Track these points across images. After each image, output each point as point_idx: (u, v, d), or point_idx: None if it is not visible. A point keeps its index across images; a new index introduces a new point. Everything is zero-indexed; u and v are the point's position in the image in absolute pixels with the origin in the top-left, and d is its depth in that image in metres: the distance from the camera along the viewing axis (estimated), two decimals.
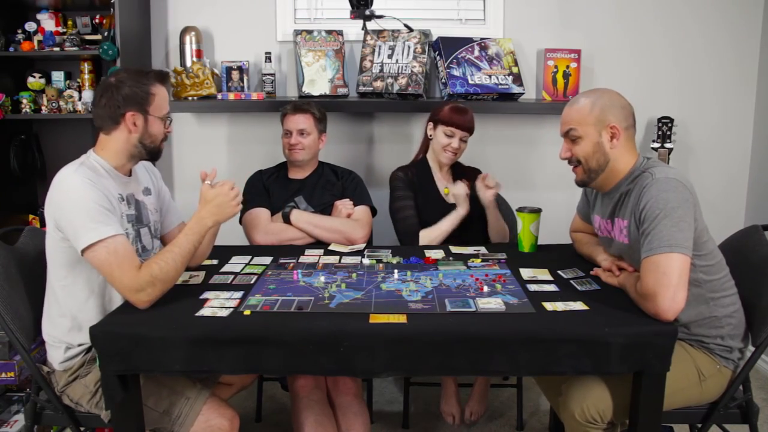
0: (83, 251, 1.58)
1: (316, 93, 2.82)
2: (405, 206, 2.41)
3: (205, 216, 1.72)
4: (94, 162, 1.74)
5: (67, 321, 1.70)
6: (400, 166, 2.52)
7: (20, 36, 2.71)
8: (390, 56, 2.83)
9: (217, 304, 1.63)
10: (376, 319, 1.54)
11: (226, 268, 1.95)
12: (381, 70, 2.82)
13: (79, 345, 1.72)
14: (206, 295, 1.70)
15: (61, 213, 1.62)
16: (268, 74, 2.85)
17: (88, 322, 1.62)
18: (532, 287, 1.76)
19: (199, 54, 2.85)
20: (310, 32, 2.87)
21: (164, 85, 1.77)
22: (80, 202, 1.60)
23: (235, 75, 2.86)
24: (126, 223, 1.74)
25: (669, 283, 1.50)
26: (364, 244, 2.24)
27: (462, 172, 2.51)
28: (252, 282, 1.81)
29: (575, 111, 1.76)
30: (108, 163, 1.75)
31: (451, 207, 2.40)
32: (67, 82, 2.82)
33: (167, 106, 1.78)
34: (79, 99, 2.76)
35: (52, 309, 1.74)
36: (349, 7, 2.58)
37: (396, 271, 1.90)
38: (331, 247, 2.20)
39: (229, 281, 1.83)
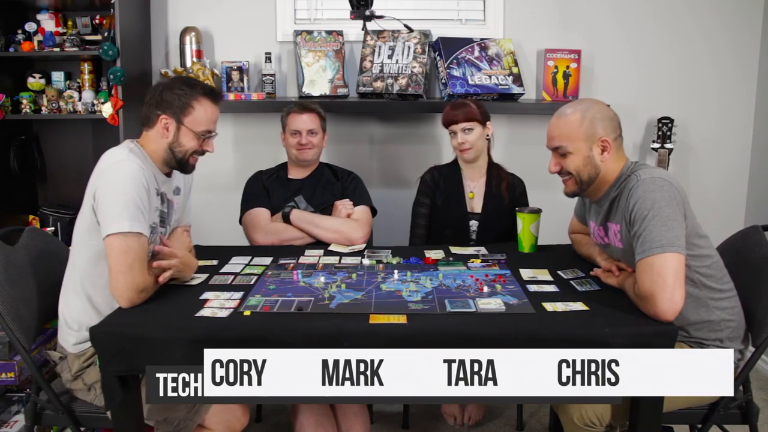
0: (106, 236, 1.60)
1: (316, 93, 2.82)
2: (417, 214, 2.46)
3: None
4: (141, 153, 1.77)
5: (84, 302, 1.72)
6: (432, 166, 2.51)
7: (20, 36, 2.71)
8: (390, 57, 2.83)
9: (217, 305, 1.63)
10: (376, 319, 1.54)
11: (226, 268, 1.95)
12: (381, 71, 2.82)
13: None
14: (206, 295, 1.70)
15: (104, 193, 1.63)
16: (268, 75, 2.85)
17: (104, 308, 1.67)
18: (532, 288, 1.75)
19: (199, 54, 2.85)
20: (310, 32, 2.88)
21: (213, 101, 1.78)
22: (125, 190, 1.62)
23: (235, 75, 2.86)
24: (156, 218, 1.76)
25: (665, 284, 1.50)
26: (364, 245, 2.23)
27: (499, 177, 2.42)
28: (252, 282, 1.81)
29: (564, 125, 1.73)
30: (149, 158, 1.78)
31: (470, 212, 2.40)
32: (67, 82, 2.82)
33: (208, 124, 1.79)
34: (79, 99, 2.77)
35: (69, 289, 1.75)
36: (349, 7, 2.58)
37: (396, 271, 1.90)
38: (331, 248, 2.20)
39: (229, 282, 1.83)
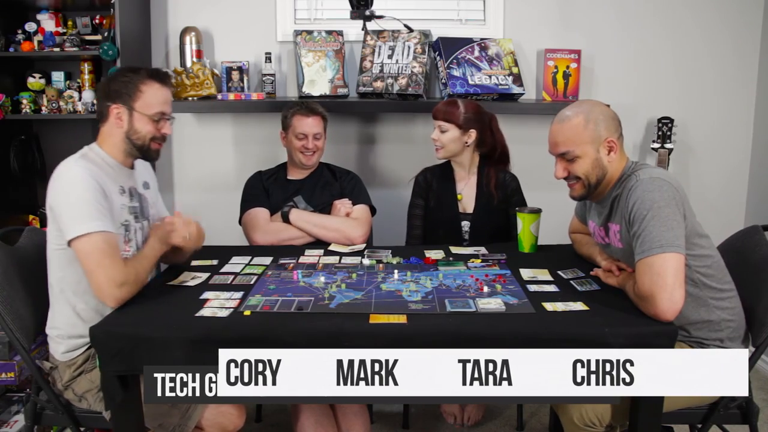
0: (70, 242, 1.60)
1: (316, 93, 2.82)
2: (412, 215, 2.47)
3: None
4: (96, 155, 1.77)
5: (68, 311, 1.72)
6: (425, 167, 2.51)
7: (20, 36, 2.70)
8: (390, 56, 2.83)
9: (217, 305, 1.63)
10: (376, 319, 1.54)
11: (226, 268, 1.95)
12: (381, 71, 2.82)
13: (81, 337, 1.72)
14: (206, 295, 1.70)
15: (57, 202, 1.64)
16: (268, 74, 2.85)
17: (88, 315, 1.67)
18: (532, 287, 1.75)
19: (199, 54, 2.85)
20: (310, 32, 2.88)
21: (160, 83, 1.77)
22: (75, 194, 1.62)
23: (235, 75, 2.86)
24: (127, 215, 1.76)
25: (665, 284, 1.49)
26: (364, 245, 2.23)
27: (489, 177, 2.40)
28: (252, 282, 1.81)
29: (568, 130, 1.70)
30: (109, 156, 1.77)
31: (462, 213, 2.40)
32: (67, 82, 2.82)
33: (160, 105, 1.77)
34: (79, 99, 2.76)
35: (53, 300, 1.75)
36: (349, 7, 2.58)
37: (396, 271, 1.90)
38: (331, 248, 2.20)
39: (229, 281, 1.83)
